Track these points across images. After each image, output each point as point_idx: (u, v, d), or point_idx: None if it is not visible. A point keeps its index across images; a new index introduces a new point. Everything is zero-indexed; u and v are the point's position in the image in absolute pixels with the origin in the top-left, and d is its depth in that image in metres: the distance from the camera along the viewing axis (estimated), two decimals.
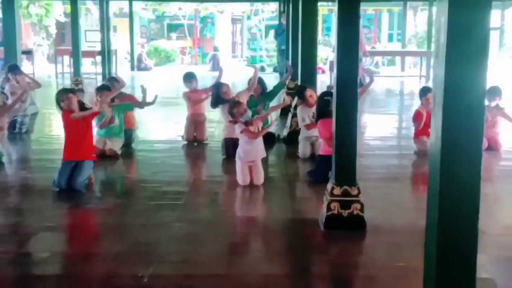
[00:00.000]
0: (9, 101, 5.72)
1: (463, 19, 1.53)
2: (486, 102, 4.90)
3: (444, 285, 1.69)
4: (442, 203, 1.65)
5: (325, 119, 4.23)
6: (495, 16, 16.34)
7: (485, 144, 5.21)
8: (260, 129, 4.27)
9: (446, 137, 1.62)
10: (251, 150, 4.26)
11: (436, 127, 1.66)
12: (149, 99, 5.41)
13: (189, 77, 6.06)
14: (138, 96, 6.09)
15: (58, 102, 4.14)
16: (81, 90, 5.40)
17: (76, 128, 4.20)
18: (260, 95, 5.67)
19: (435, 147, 1.68)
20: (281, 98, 6.71)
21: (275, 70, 14.21)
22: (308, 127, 5.00)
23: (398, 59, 15.58)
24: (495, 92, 5.47)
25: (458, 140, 1.61)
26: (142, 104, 5.57)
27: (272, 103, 6.18)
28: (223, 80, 5.95)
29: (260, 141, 4.32)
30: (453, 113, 1.60)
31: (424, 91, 5.39)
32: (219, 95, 5.23)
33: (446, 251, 1.67)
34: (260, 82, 5.76)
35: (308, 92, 5.13)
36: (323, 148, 4.39)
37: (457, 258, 1.67)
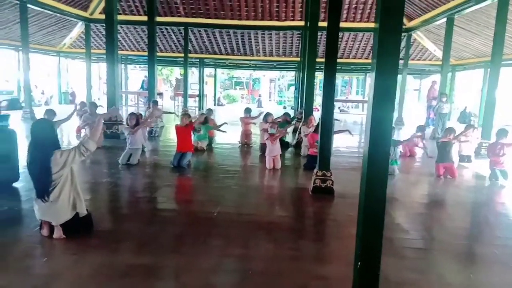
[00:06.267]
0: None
1: (382, 83, 2.16)
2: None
3: (367, 224, 2.32)
4: (367, 181, 2.28)
5: (312, 134, 6.66)
6: (416, 82, 27.19)
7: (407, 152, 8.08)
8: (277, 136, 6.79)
9: (371, 145, 2.24)
10: (273, 149, 6.73)
11: (366, 139, 2.28)
12: (222, 128, 8.59)
13: (248, 110, 9.42)
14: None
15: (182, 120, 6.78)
16: (189, 115, 8.74)
17: (182, 133, 6.74)
18: (286, 121, 8.78)
19: (365, 149, 2.30)
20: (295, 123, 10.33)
21: (291, 108, 22.62)
22: (307, 136, 7.53)
23: (360, 104, 24.97)
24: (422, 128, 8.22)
25: (377, 147, 2.24)
26: (217, 129, 8.63)
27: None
28: (265, 110, 9.36)
29: (277, 145, 6.78)
30: (375, 132, 2.22)
31: None
32: (266, 116, 8.36)
33: (369, 205, 2.31)
34: (287, 115, 9.23)
35: (311, 118, 7.81)
36: (310, 151, 6.80)
37: (374, 208, 2.30)
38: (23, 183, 5.25)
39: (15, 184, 5.26)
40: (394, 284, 2.97)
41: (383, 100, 2.21)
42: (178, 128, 6.80)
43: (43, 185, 3.42)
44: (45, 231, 3.59)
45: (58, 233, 3.55)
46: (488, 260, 3.57)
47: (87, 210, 3.78)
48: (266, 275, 3.07)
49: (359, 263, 2.38)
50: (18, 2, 11.92)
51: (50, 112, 7.01)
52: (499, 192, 6.12)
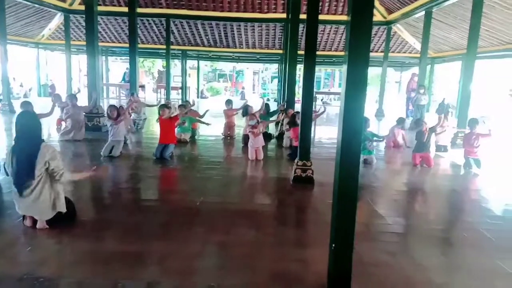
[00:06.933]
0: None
1: (354, 75, 2.27)
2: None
3: (341, 208, 2.42)
4: (341, 168, 2.41)
5: (294, 127, 6.72)
6: (397, 74, 27.09)
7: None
8: (259, 131, 6.86)
9: (344, 134, 2.37)
10: (256, 141, 6.82)
11: (339, 128, 2.42)
12: (205, 120, 8.63)
13: (228, 102, 9.46)
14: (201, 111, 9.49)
15: (159, 111, 6.81)
16: (170, 107, 8.54)
17: (165, 125, 6.76)
18: (266, 114, 8.89)
19: (339, 138, 2.42)
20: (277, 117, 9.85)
21: (275, 100, 22.32)
22: (288, 129, 7.61)
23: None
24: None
25: (349, 137, 2.36)
26: (201, 121, 8.67)
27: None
28: (248, 103, 9.29)
29: (260, 136, 6.87)
30: (348, 122, 2.34)
31: None
32: (246, 110, 8.35)
33: (342, 191, 2.42)
34: (266, 107, 9.09)
35: (290, 111, 7.88)
36: (294, 143, 6.87)
37: (347, 193, 2.40)
38: (3, 176, 5.19)
39: None
40: (368, 265, 3.13)
41: (355, 91, 2.31)
42: (162, 120, 6.81)
43: (23, 177, 3.43)
44: (28, 222, 3.62)
45: (41, 224, 3.59)
46: (460, 244, 3.76)
47: (70, 199, 3.82)
48: (247, 259, 3.18)
49: (333, 245, 2.51)
50: None
51: (27, 104, 6.95)
52: (473, 180, 6.38)
